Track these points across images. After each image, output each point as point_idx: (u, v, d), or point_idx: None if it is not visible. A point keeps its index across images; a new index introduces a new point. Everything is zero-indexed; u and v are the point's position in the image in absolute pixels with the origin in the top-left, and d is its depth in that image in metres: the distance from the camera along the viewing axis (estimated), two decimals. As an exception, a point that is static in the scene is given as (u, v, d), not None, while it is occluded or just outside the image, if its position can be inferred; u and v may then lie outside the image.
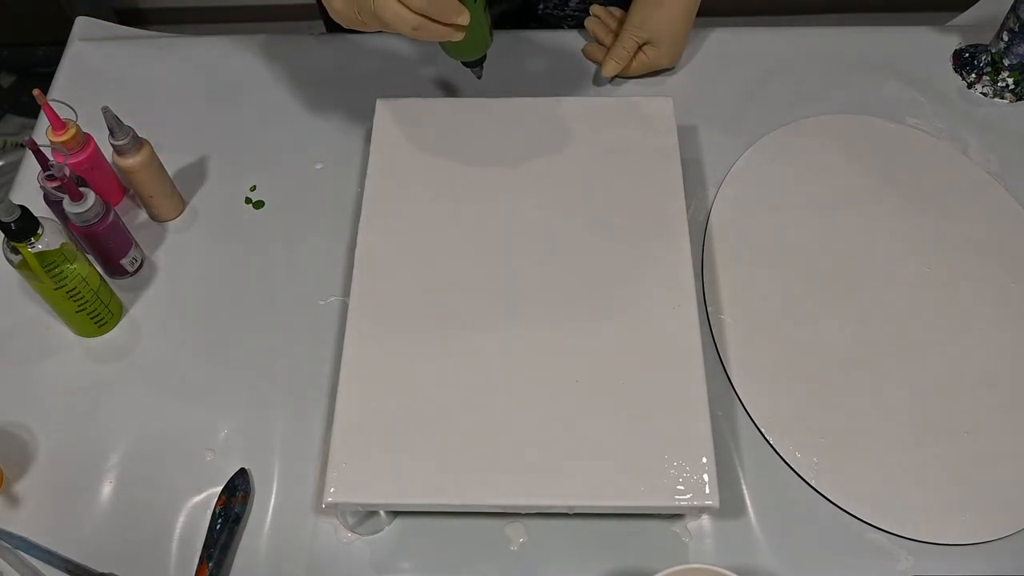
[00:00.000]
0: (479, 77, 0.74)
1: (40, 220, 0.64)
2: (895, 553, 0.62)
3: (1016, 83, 0.85)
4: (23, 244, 0.63)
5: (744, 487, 0.65)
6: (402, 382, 0.63)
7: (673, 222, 0.70)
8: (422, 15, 0.57)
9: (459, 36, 0.61)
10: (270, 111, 0.86)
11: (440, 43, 0.66)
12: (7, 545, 0.63)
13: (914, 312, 0.72)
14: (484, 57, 0.72)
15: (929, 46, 0.90)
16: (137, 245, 0.75)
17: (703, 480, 0.58)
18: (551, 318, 0.65)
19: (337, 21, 0.63)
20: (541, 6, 0.93)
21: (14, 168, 1.00)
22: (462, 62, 0.72)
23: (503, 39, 0.89)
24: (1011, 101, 0.86)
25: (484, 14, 0.67)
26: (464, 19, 0.59)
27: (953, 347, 0.70)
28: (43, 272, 0.65)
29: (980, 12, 0.94)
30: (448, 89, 0.86)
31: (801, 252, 0.75)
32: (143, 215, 0.79)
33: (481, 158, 0.74)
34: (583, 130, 0.75)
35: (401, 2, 0.57)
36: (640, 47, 0.83)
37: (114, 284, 0.74)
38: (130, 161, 0.73)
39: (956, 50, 0.89)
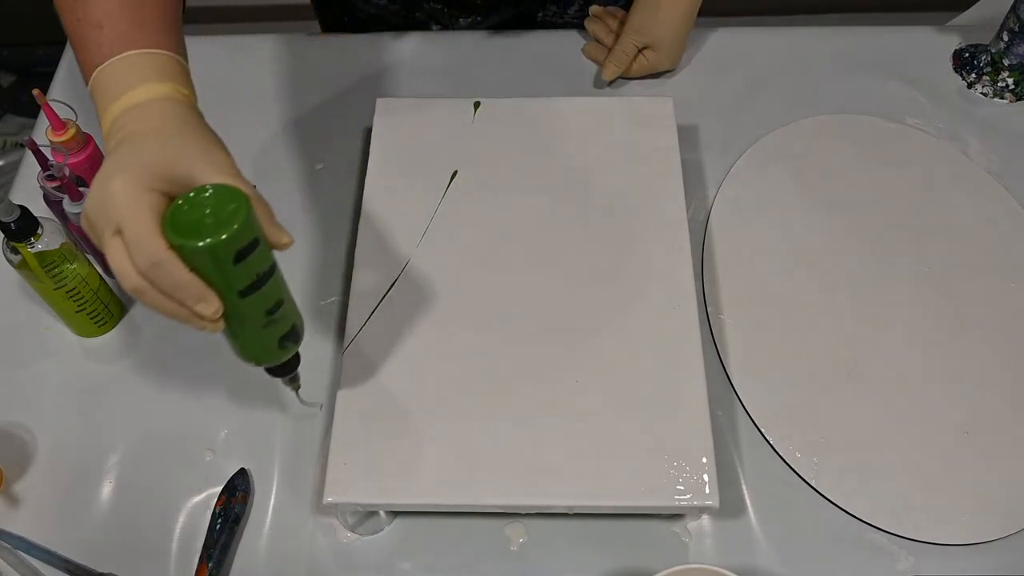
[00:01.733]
0: (294, 390, 0.60)
1: (40, 220, 0.64)
2: (895, 553, 0.62)
3: (1016, 83, 0.85)
4: (23, 244, 0.63)
5: (744, 487, 0.65)
6: (402, 382, 0.63)
7: (673, 222, 0.70)
8: (151, 282, 0.46)
9: (206, 326, 0.48)
10: (270, 111, 0.86)
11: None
12: (7, 545, 0.63)
13: (914, 312, 0.72)
14: (292, 370, 0.57)
15: (929, 46, 0.90)
16: (137, 245, 0.75)
17: (703, 480, 0.58)
18: (551, 318, 0.65)
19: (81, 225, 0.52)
20: (540, 14, 0.93)
21: (14, 168, 1.00)
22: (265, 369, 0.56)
23: (503, 40, 0.89)
24: (1011, 101, 0.85)
25: (266, 317, 0.51)
26: (207, 309, 0.47)
27: (953, 347, 0.70)
28: (43, 272, 0.65)
29: (980, 12, 0.94)
30: (448, 89, 0.86)
31: (801, 252, 0.75)
32: (143, 215, 0.79)
33: (481, 158, 0.74)
34: (583, 130, 0.75)
35: (128, 252, 0.46)
36: (640, 50, 0.83)
37: (114, 284, 0.74)
38: (130, 161, 0.73)
39: (956, 50, 0.89)
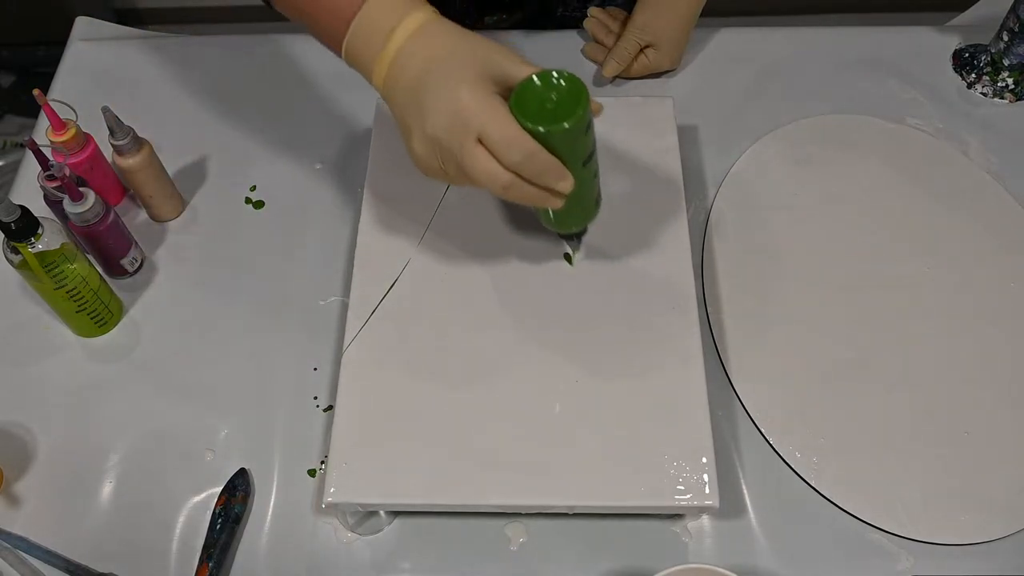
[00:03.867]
0: (575, 251, 0.65)
1: (40, 220, 0.64)
2: (895, 553, 0.62)
3: (1016, 83, 0.85)
4: (23, 244, 0.63)
5: (744, 487, 0.65)
6: (402, 382, 0.63)
7: (673, 222, 0.70)
8: (515, 173, 0.51)
9: (558, 203, 0.53)
10: (270, 111, 0.86)
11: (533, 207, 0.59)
12: (7, 545, 0.63)
13: (914, 312, 0.72)
14: (584, 230, 0.63)
15: (929, 46, 0.90)
16: (137, 245, 0.75)
17: (703, 480, 0.58)
18: (551, 317, 0.65)
19: (419, 169, 0.56)
20: (560, 9, 0.93)
21: (14, 168, 1.00)
22: (558, 233, 0.63)
23: (503, 41, 0.89)
24: (1011, 101, 0.86)
25: (593, 181, 0.58)
26: (566, 185, 0.52)
27: (953, 347, 0.70)
28: (43, 272, 0.65)
29: (980, 12, 0.94)
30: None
31: (801, 252, 0.75)
32: (143, 215, 0.79)
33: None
34: (583, 130, 0.75)
35: (493, 156, 0.50)
36: (642, 49, 0.83)
37: (114, 284, 0.74)
38: (130, 161, 0.73)
39: (956, 50, 0.89)
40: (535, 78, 0.52)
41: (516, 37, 0.90)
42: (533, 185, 0.51)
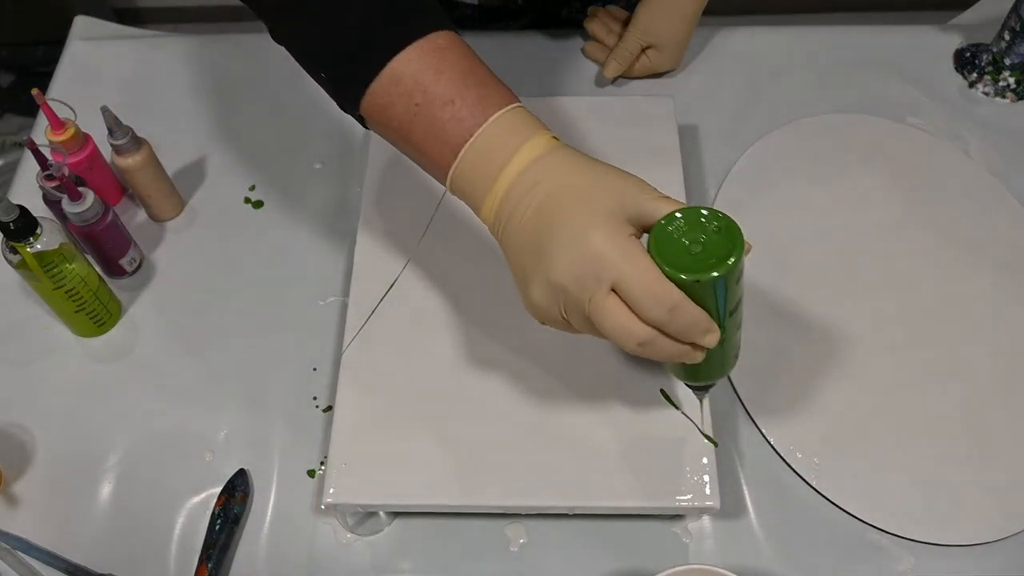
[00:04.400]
0: (701, 400, 0.59)
1: (39, 220, 0.63)
2: (895, 553, 0.62)
3: (1017, 82, 0.85)
4: (22, 244, 0.63)
5: (744, 487, 0.65)
6: (402, 382, 0.63)
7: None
8: (657, 329, 0.44)
9: (699, 358, 0.47)
10: (270, 111, 0.86)
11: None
12: (6, 546, 0.63)
13: (914, 312, 0.71)
14: (715, 383, 0.55)
15: (930, 45, 0.89)
16: (136, 245, 0.75)
17: (703, 481, 0.58)
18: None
19: (534, 316, 0.50)
20: (565, 11, 0.93)
21: (13, 168, 1.00)
22: (685, 383, 0.56)
23: (503, 40, 0.89)
24: (1012, 100, 0.85)
25: (737, 332, 0.50)
26: (713, 339, 0.45)
27: (953, 346, 0.70)
28: (42, 272, 0.65)
29: (981, 11, 0.93)
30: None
31: (801, 252, 0.75)
32: (142, 215, 0.79)
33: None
34: (583, 129, 0.75)
35: (632, 309, 0.44)
36: (643, 50, 0.83)
37: (113, 284, 0.74)
38: (129, 161, 0.73)
39: (957, 49, 0.89)
40: (678, 216, 0.45)
41: (511, 38, 0.89)
42: (673, 340, 0.45)
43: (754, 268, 0.74)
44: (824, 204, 0.77)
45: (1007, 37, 0.84)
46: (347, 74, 0.50)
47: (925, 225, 0.76)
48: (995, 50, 0.85)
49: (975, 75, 0.86)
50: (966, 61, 0.87)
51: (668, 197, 0.47)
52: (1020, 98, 0.85)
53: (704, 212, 0.45)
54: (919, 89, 0.86)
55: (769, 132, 0.83)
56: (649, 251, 0.45)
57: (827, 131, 0.83)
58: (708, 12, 0.83)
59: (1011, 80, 0.85)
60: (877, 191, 0.78)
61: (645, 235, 0.47)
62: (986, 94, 0.86)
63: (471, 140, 0.48)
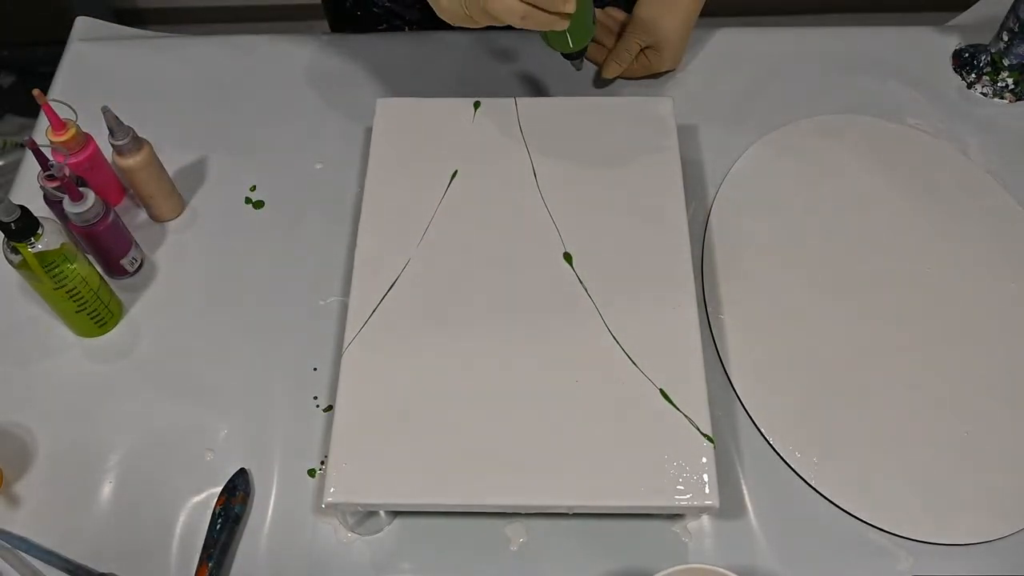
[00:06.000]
0: (578, 69, 0.75)
1: (40, 220, 0.64)
2: (895, 553, 0.62)
3: (1016, 83, 0.85)
4: (23, 244, 0.63)
5: (744, 487, 0.65)
6: (402, 382, 0.63)
7: (673, 222, 0.70)
8: (530, 4, 0.59)
9: (564, 24, 0.61)
10: (270, 111, 0.86)
11: (541, 33, 0.68)
12: (7, 545, 0.63)
13: (914, 312, 0.72)
14: (585, 48, 0.71)
15: (929, 46, 0.90)
16: (137, 245, 0.75)
17: (703, 480, 0.58)
18: (551, 317, 0.65)
19: (445, 19, 0.64)
20: None
21: (14, 168, 1.00)
22: (562, 54, 0.72)
23: (503, 40, 0.89)
24: (1011, 101, 0.85)
25: (590, 3, 0.67)
26: (570, 7, 0.60)
27: (953, 347, 0.70)
28: (43, 272, 0.65)
29: (980, 12, 0.93)
30: (448, 89, 0.86)
31: (801, 252, 0.75)
32: (143, 215, 0.79)
33: (481, 158, 0.74)
34: (583, 130, 0.75)
35: None
36: (642, 50, 0.83)
37: (114, 284, 0.74)
38: (130, 161, 0.73)
39: (956, 50, 0.89)
40: None
41: (511, 38, 0.89)
42: (543, 11, 0.59)
43: (754, 268, 0.74)
44: (823, 204, 0.78)
45: (1005, 38, 0.84)
46: None
47: (924, 226, 0.76)
48: (993, 51, 0.85)
49: (974, 76, 0.86)
50: (965, 62, 0.87)
51: None
52: (1018, 99, 0.85)
53: None
54: (918, 90, 0.86)
55: (768, 132, 0.83)
56: None
57: (826, 131, 0.83)
58: (707, 12, 0.83)
59: (1009, 81, 0.85)
60: (876, 192, 0.78)
61: None
62: (984, 95, 0.86)
63: None
